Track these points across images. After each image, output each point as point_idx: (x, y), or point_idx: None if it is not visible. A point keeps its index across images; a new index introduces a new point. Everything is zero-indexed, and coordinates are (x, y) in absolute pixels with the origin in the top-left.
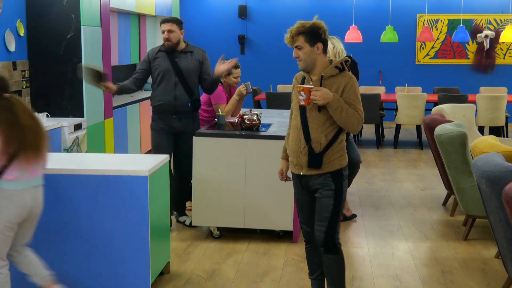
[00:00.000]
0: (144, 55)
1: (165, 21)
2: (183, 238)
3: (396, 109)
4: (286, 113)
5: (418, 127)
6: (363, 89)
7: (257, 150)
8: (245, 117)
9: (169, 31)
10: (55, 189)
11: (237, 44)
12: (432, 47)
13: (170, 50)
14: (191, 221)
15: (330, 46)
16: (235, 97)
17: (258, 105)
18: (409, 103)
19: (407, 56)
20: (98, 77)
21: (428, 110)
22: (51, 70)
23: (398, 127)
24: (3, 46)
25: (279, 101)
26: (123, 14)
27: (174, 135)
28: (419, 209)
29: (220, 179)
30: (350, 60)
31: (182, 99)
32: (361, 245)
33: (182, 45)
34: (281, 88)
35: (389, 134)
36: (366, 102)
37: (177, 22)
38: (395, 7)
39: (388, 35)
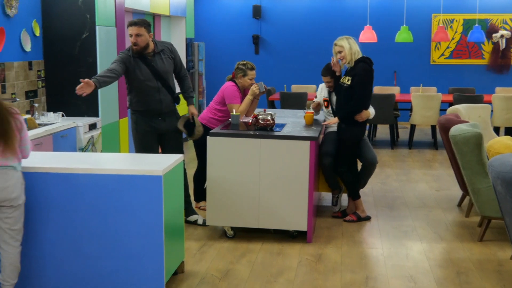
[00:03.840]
0: (120, 56)
1: (132, 24)
2: (197, 237)
3: (410, 110)
4: (300, 113)
5: (433, 128)
6: (378, 89)
7: (271, 150)
8: (259, 117)
9: (137, 35)
10: (70, 188)
11: (251, 44)
12: (447, 47)
13: (140, 55)
14: (204, 220)
15: (346, 46)
16: (248, 96)
17: (272, 105)
18: (424, 103)
19: (422, 56)
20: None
21: (443, 110)
22: (66, 70)
23: (412, 127)
24: (19, 46)
25: (293, 101)
26: (138, 14)
27: (159, 135)
28: (434, 210)
29: (234, 179)
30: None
31: (166, 100)
32: (376, 246)
33: (152, 46)
34: (295, 88)
35: (403, 134)
36: (380, 102)
37: (145, 25)
38: (410, 7)
39: (403, 35)
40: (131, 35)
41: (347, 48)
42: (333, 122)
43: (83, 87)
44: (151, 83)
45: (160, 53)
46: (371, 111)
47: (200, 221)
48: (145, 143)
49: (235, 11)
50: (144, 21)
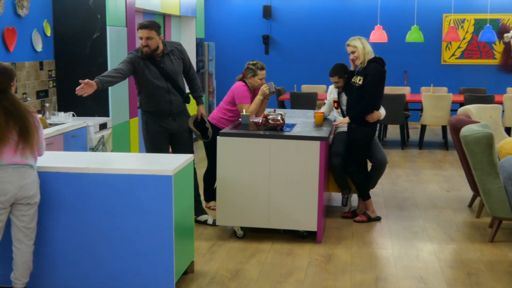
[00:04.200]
0: (128, 57)
1: (143, 27)
2: (207, 237)
3: (421, 110)
4: (310, 113)
5: (444, 128)
6: (388, 89)
7: (281, 150)
8: (269, 117)
9: (148, 38)
10: (80, 188)
11: (262, 44)
12: (458, 47)
13: (149, 57)
14: (214, 220)
15: (360, 46)
16: (258, 96)
17: (282, 105)
18: (435, 103)
19: (432, 56)
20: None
21: (454, 110)
22: (77, 70)
23: (423, 127)
24: (30, 46)
25: (303, 101)
26: (148, 14)
27: (169, 135)
28: (445, 211)
29: (244, 179)
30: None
31: (176, 101)
32: (386, 246)
33: (161, 48)
34: (305, 88)
35: (414, 134)
36: (391, 102)
37: (156, 27)
38: (421, 7)
39: (414, 35)
40: (141, 38)
41: (361, 48)
42: (343, 122)
43: (84, 88)
44: (160, 84)
45: (169, 53)
46: (382, 112)
47: (210, 221)
48: (155, 143)
49: (245, 11)
50: (154, 24)
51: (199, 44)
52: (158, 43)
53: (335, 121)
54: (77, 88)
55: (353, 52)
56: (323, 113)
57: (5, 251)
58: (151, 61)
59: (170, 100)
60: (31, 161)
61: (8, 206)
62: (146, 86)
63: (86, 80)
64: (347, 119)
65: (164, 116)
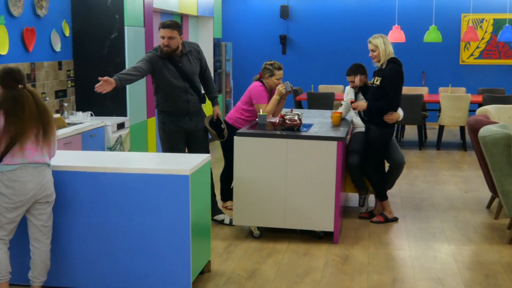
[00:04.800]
0: (147, 55)
1: (166, 26)
2: (224, 237)
3: (439, 110)
4: (327, 113)
5: (462, 129)
6: (406, 90)
7: (298, 150)
8: (286, 117)
9: (170, 38)
10: (98, 187)
11: (279, 44)
12: (477, 47)
13: (168, 56)
14: (231, 219)
15: (381, 46)
16: (275, 96)
17: (299, 105)
18: (453, 104)
19: (451, 56)
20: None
21: (472, 111)
22: (95, 69)
23: (441, 128)
24: (49, 46)
25: (320, 101)
26: (166, 14)
27: (186, 135)
28: (463, 212)
29: (261, 179)
30: None
31: (194, 101)
32: (403, 247)
33: (180, 48)
34: (323, 88)
35: (432, 135)
36: (408, 102)
37: (178, 27)
38: (439, 7)
39: (432, 35)
40: (163, 37)
41: (382, 49)
42: (361, 107)
43: (103, 85)
44: (178, 84)
45: (188, 54)
46: (400, 113)
47: (227, 221)
48: (172, 143)
49: (262, 11)
50: (176, 24)
51: (217, 44)
52: (179, 43)
53: (355, 108)
54: (96, 85)
55: (373, 51)
56: (341, 113)
57: (22, 250)
58: (170, 60)
59: (187, 99)
60: (48, 159)
61: (27, 206)
62: (164, 85)
63: (105, 77)
64: (365, 104)
65: (181, 116)
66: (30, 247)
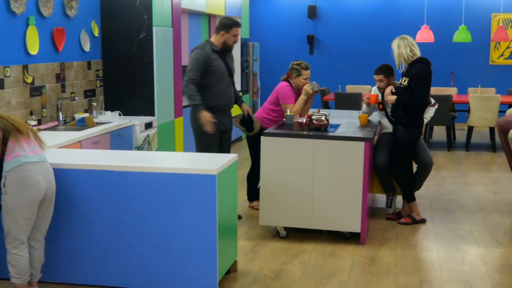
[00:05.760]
0: (197, 58)
1: (240, 25)
2: (250, 237)
3: (468, 111)
4: (354, 113)
5: (491, 130)
6: (434, 90)
7: (325, 150)
8: (313, 117)
9: (237, 36)
10: (125, 186)
11: (306, 44)
12: (507, 47)
13: (221, 51)
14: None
15: (395, 50)
16: (302, 96)
17: (326, 105)
18: (482, 104)
19: (480, 57)
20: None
21: (502, 112)
22: (124, 69)
23: (470, 129)
24: (78, 46)
25: (348, 102)
26: (194, 14)
27: (220, 133)
28: (492, 214)
29: (288, 179)
30: None
31: (233, 97)
32: (431, 249)
33: None
34: (350, 88)
35: (460, 136)
36: (437, 103)
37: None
38: (469, 6)
39: (461, 35)
40: (235, 35)
41: (396, 53)
42: (391, 100)
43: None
44: (226, 78)
45: (229, 53)
46: (430, 113)
47: None
48: (212, 140)
49: (290, 11)
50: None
51: (244, 44)
52: None
53: (378, 112)
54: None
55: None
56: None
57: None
58: (220, 55)
59: (230, 95)
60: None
61: (39, 199)
62: (213, 78)
63: (207, 118)
64: (394, 97)
65: (224, 112)
66: (27, 249)
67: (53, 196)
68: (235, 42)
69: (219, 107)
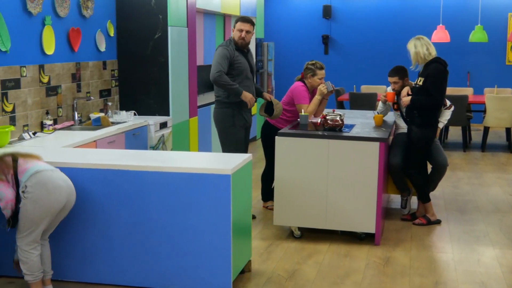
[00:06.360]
0: (224, 54)
1: (246, 21)
2: (265, 237)
3: (484, 111)
4: (369, 114)
5: (508, 130)
6: (450, 90)
7: (340, 151)
8: (328, 117)
9: (247, 32)
10: (140, 186)
11: (321, 44)
12: None
13: (240, 49)
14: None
15: (412, 49)
16: (317, 96)
17: (341, 105)
18: (499, 105)
19: (497, 57)
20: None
21: None
22: (139, 69)
23: (486, 129)
24: (94, 46)
25: (363, 102)
26: (209, 14)
27: (244, 129)
28: (508, 215)
29: (302, 179)
30: None
31: (254, 94)
32: (446, 250)
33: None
34: (365, 88)
35: (476, 137)
36: (453, 103)
37: (254, 24)
38: (485, 6)
39: (477, 35)
40: (241, 30)
41: (412, 52)
42: (406, 101)
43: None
44: (248, 75)
45: (249, 51)
46: (447, 116)
47: None
48: (240, 137)
49: (305, 11)
50: (253, 21)
51: (259, 44)
52: (250, 39)
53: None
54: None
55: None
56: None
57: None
58: (241, 53)
59: (253, 91)
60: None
61: (60, 207)
62: (237, 75)
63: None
64: (409, 98)
65: (247, 108)
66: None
67: (72, 204)
68: (241, 38)
69: (242, 103)
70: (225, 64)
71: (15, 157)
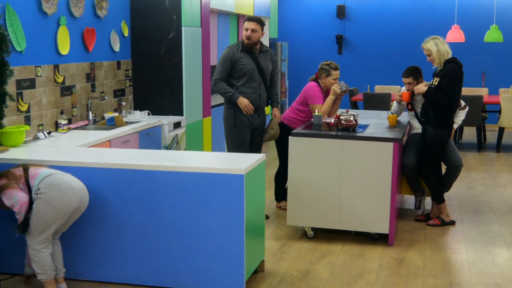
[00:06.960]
0: (224, 57)
1: (251, 19)
2: (278, 237)
3: (499, 112)
4: (383, 114)
5: None
6: (465, 90)
7: (353, 151)
8: (341, 117)
9: (253, 31)
10: (154, 185)
11: (335, 44)
12: None
13: (249, 49)
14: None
15: (434, 48)
16: (330, 96)
17: (355, 105)
18: None
19: None
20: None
21: None
22: (153, 69)
23: (501, 130)
24: (108, 46)
25: (377, 102)
26: (223, 14)
27: (251, 131)
28: None
29: (316, 180)
30: None
31: (264, 97)
32: (460, 251)
33: (259, 45)
34: (379, 88)
35: (491, 137)
36: (467, 103)
37: (261, 23)
38: (500, 6)
39: (493, 35)
40: (246, 29)
41: (435, 51)
42: (421, 90)
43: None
44: (254, 77)
45: (265, 52)
46: (462, 116)
47: None
48: (243, 138)
49: (319, 11)
50: (261, 20)
51: (273, 44)
52: (259, 38)
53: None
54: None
55: (429, 55)
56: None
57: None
58: (249, 53)
59: (260, 93)
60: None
61: (73, 209)
62: (240, 76)
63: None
64: (425, 88)
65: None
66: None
67: (85, 206)
68: (247, 37)
69: None
70: (223, 68)
71: (25, 167)
